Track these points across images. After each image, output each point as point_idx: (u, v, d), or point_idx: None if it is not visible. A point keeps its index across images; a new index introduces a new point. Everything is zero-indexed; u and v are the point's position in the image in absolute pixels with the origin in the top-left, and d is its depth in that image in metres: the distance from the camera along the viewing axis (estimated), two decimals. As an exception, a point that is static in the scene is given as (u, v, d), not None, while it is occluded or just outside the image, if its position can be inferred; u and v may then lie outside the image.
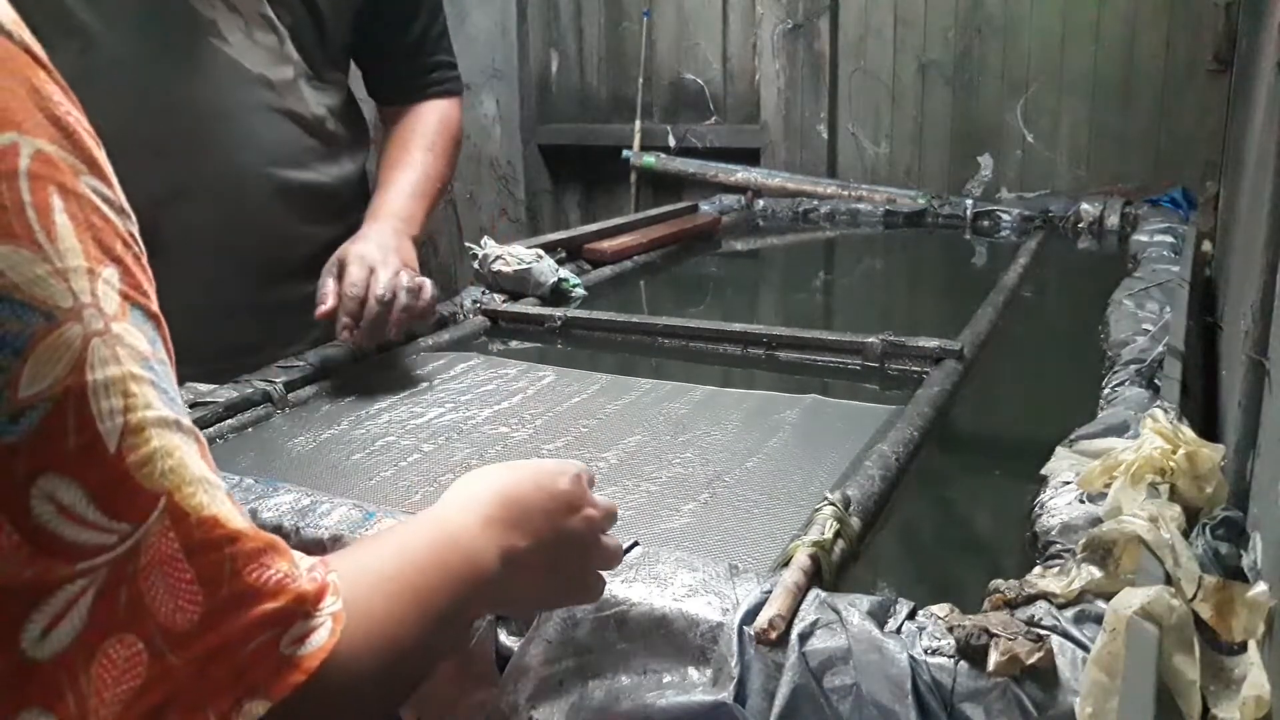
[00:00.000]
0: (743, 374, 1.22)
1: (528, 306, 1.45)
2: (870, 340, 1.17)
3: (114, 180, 0.36)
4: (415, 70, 1.33)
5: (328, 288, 1.07)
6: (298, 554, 0.41)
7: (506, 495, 0.54)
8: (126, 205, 0.36)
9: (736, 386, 1.12)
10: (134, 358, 0.34)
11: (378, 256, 1.09)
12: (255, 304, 1.20)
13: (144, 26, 1.09)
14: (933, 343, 1.14)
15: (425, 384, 1.11)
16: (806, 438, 0.93)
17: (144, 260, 0.37)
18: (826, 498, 0.72)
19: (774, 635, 0.57)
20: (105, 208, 0.35)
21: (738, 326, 1.27)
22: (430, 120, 1.32)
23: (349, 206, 1.27)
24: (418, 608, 0.45)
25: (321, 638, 0.39)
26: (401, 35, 1.31)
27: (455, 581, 0.48)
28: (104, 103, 1.08)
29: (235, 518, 0.37)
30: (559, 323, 1.37)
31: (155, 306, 0.36)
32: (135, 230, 0.36)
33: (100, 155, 0.36)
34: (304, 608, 0.38)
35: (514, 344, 1.37)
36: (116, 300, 0.34)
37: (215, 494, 0.36)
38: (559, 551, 0.55)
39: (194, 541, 0.34)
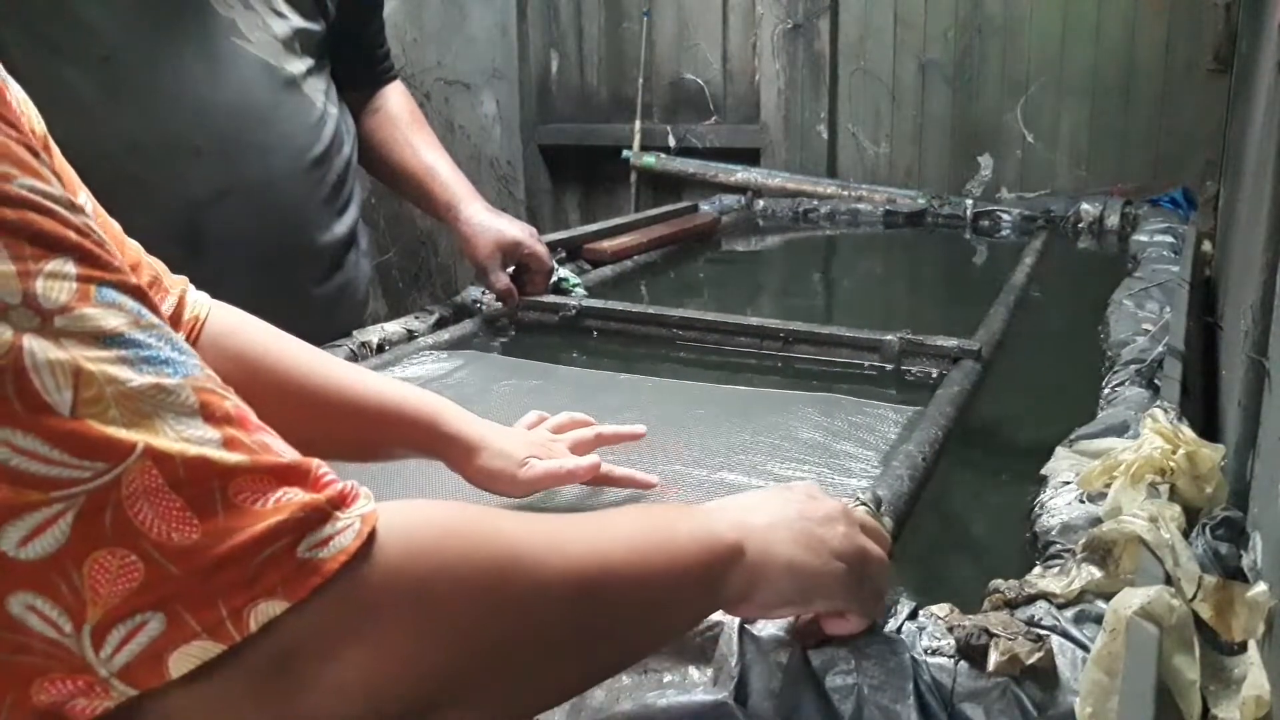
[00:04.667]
0: (755, 371, 1.22)
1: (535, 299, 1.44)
2: (888, 338, 1.16)
3: (52, 177, 0.37)
4: (376, 58, 1.42)
5: (501, 279, 1.35)
6: (326, 469, 0.41)
7: (752, 499, 0.57)
8: (75, 200, 0.38)
9: (749, 384, 1.11)
10: (89, 341, 0.36)
11: (529, 232, 1.39)
12: (295, 298, 1.20)
13: (163, 30, 1.08)
14: (951, 342, 1.13)
15: (424, 383, 1.11)
16: (828, 435, 0.92)
17: (107, 245, 0.38)
18: (858, 498, 0.71)
19: (814, 641, 0.57)
20: (48, 203, 0.36)
21: (754, 320, 1.26)
22: (405, 104, 1.45)
23: (354, 190, 1.33)
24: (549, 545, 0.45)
25: (345, 540, 0.39)
26: (369, 25, 1.38)
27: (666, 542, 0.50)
28: (136, 108, 1.10)
29: (230, 457, 0.37)
30: (573, 312, 1.37)
31: (131, 279, 0.38)
32: (91, 221, 0.38)
33: (30, 155, 0.37)
34: (319, 514, 0.38)
35: (514, 343, 1.36)
36: (72, 288, 0.36)
37: (207, 439, 0.37)
38: (817, 540, 0.55)
39: (179, 478, 0.36)
